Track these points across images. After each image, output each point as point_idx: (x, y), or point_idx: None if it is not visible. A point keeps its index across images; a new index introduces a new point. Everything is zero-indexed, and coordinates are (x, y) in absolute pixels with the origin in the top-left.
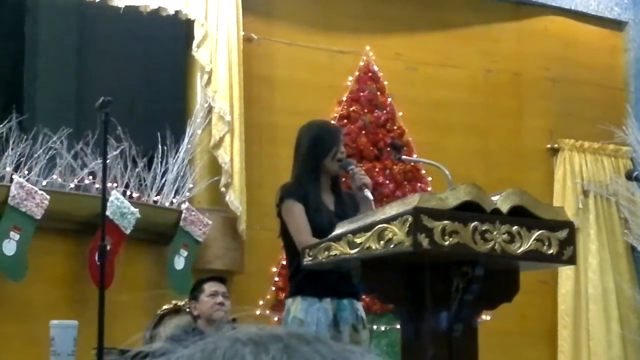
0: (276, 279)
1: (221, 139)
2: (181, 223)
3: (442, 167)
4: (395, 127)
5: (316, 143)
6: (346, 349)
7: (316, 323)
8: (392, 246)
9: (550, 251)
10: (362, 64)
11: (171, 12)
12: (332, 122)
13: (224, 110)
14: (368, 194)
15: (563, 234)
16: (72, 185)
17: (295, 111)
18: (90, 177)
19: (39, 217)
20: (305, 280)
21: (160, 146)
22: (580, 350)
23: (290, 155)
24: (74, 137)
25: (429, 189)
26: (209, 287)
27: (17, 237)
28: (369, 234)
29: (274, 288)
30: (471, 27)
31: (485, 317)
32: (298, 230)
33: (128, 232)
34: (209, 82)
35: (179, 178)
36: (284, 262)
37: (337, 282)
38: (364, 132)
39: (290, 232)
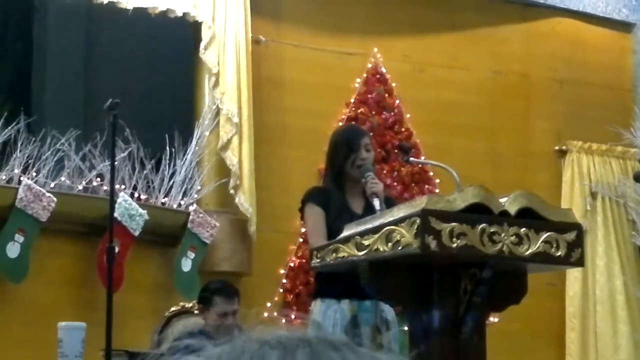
0: (284, 280)
1: (229, 141)
2: (189, 225)
3: (449, 169)
4: (403, 129)
5: (336, 150)
6: (373, 356)
7: (332, 325)
8: (400, 248)
9: (559, 253)
10: (370, 65)
11: (179, 13)
12: (360, 127)
13: (231, 112)
14: (376, 203)
15: (571, 235)
16: (80, 187)
17: (304, 113)
18: (99, 179)
19: (44, 220)
20: (324, 282)
21: (168, 148)
22: (588, 352)
23: (298, 156)
24: (82, 139)
25: (437, 190)
26: (221, 304)
27: (21, 239)
28: (377, 235)
29: (281, 290)
30: (479, 29)
31: (493, 319)
32: (312, 233)
33: (137, 234)
34: (216, 84)
35: (187, 180)
36: (292, 264)
37: (357, 283)
38: (372, 134)
39: (307, 235)
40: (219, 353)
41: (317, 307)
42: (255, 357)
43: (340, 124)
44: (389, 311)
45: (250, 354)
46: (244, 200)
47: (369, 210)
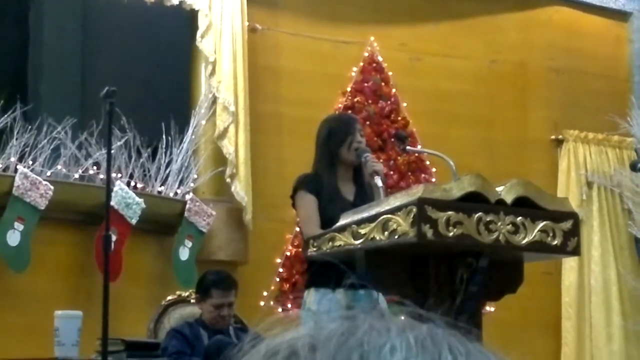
0: (280, 269)
1: (225, 130)
2: (185, 214)
3: (446, 158)
4: (399, 118)
5: (331, 134)
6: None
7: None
8: (396, 237)
9: (555, 242)
10: (366, 54)
11: (175, 2)
12: (349, 113)
13: (228, 100)
14: (378, 181)
15: (567, 224)
16: (76, 176)
17: (300, 101)
18: (95, 168)
19: (42, 208)
20: (319, 271)
21: (164, 137)
22: (584, 342)
23: (295, 145)
24: (78, 127)
25: (433, 179)
26: (217, 296)
27: (21, 227)
28: (373, 224)
29: (278, 279)
30: (476, 18)
31: (490, 308)
32: (305, 221)
33: (134, 222)
34: (213, 72)
35: (183, 169)
36: (288, 253)
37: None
38: (368, 122)
39: (299, 223)
40: (335, 325)
41: (312, 296)
42: (376, 327)
43: (337, 112)
44: (382, 300)
45: (370, 324)
46: (240, 189)
47: (360, 196)
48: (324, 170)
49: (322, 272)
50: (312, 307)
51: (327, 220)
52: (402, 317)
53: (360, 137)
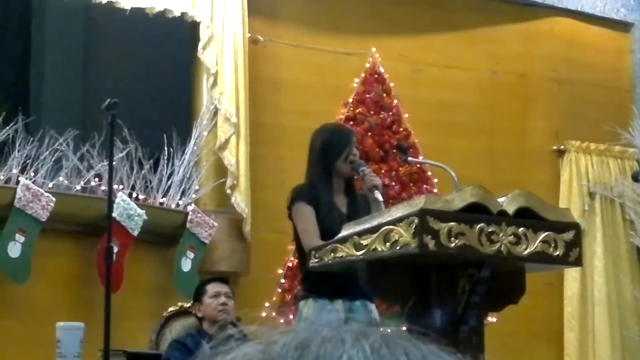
0: (282, 280)
1: (227, 141)
2: (187, 225)
3: (448, 169)
4: (401, 129)
5: (328, 145)
6: (434, 351)
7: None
8: (398, 248)
9: (557, 253)
10: (368, 65)
11: (177, 14)
12: (345, 124)
13: (229, 112)
14: (378, 195)
15: (569, 235)
16: (78, 187)
17: (301, 113)
18: (97, 179)
19: (44, 220)
20: (316, 282)
21: (166, 148)
22: (587, 353)
23: (296, 157)
24: (80, 139)
25: (435, 190)
26: (212, 288)
27: (22, 239)
28: (375, 235)
29: (280, 290)
30: (477, 29)
31: (492, 318)
32: (306, 232)
33: (135, 233)
34: (214, 84)
35: (185, 180)
36: (290, 264)
37: (348, 284)
38: (370, 133)
39: (299, 234)
40: (287, 339)
41: (310, 307)
42: (328, 335)
43: (346, 124)
44: (375, 311)
45: (323, 336)
46: (240, 200)
47: (352, 209)
48: (319, 181)
49: (320, 282)
50: (310, 317)
51: (325, 231)
52: (359, 325)
53: (356, 149)
